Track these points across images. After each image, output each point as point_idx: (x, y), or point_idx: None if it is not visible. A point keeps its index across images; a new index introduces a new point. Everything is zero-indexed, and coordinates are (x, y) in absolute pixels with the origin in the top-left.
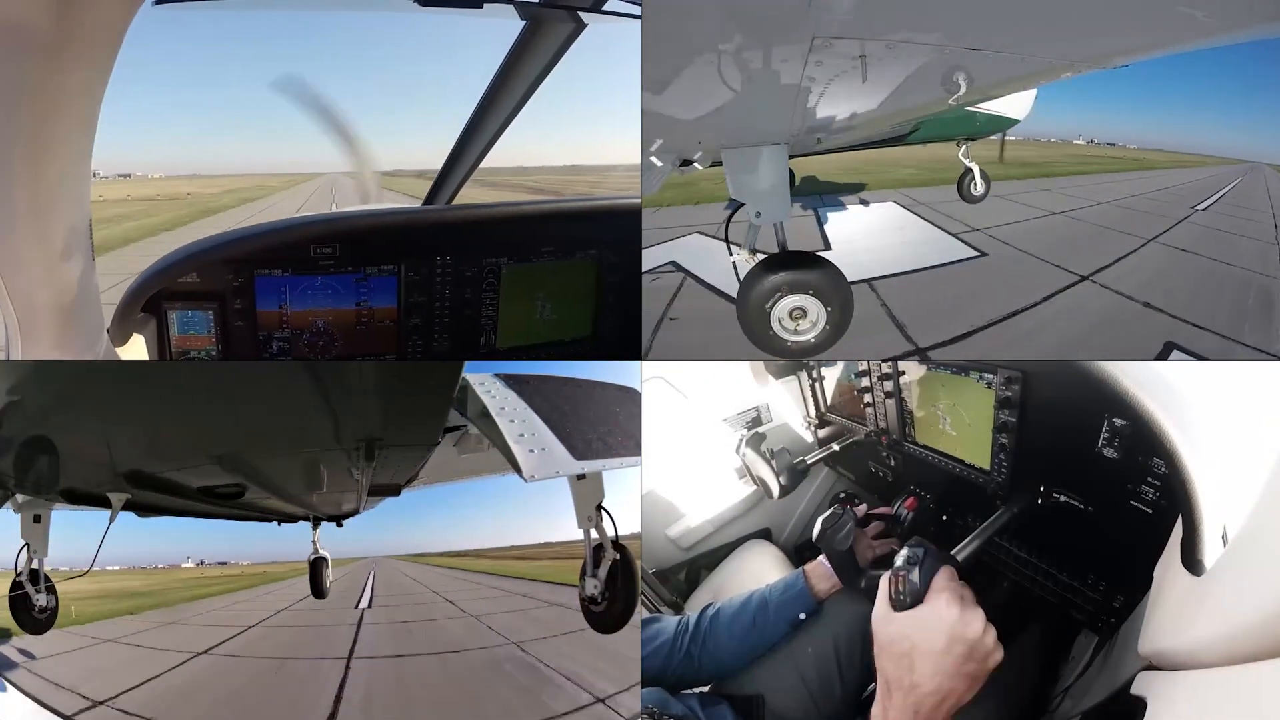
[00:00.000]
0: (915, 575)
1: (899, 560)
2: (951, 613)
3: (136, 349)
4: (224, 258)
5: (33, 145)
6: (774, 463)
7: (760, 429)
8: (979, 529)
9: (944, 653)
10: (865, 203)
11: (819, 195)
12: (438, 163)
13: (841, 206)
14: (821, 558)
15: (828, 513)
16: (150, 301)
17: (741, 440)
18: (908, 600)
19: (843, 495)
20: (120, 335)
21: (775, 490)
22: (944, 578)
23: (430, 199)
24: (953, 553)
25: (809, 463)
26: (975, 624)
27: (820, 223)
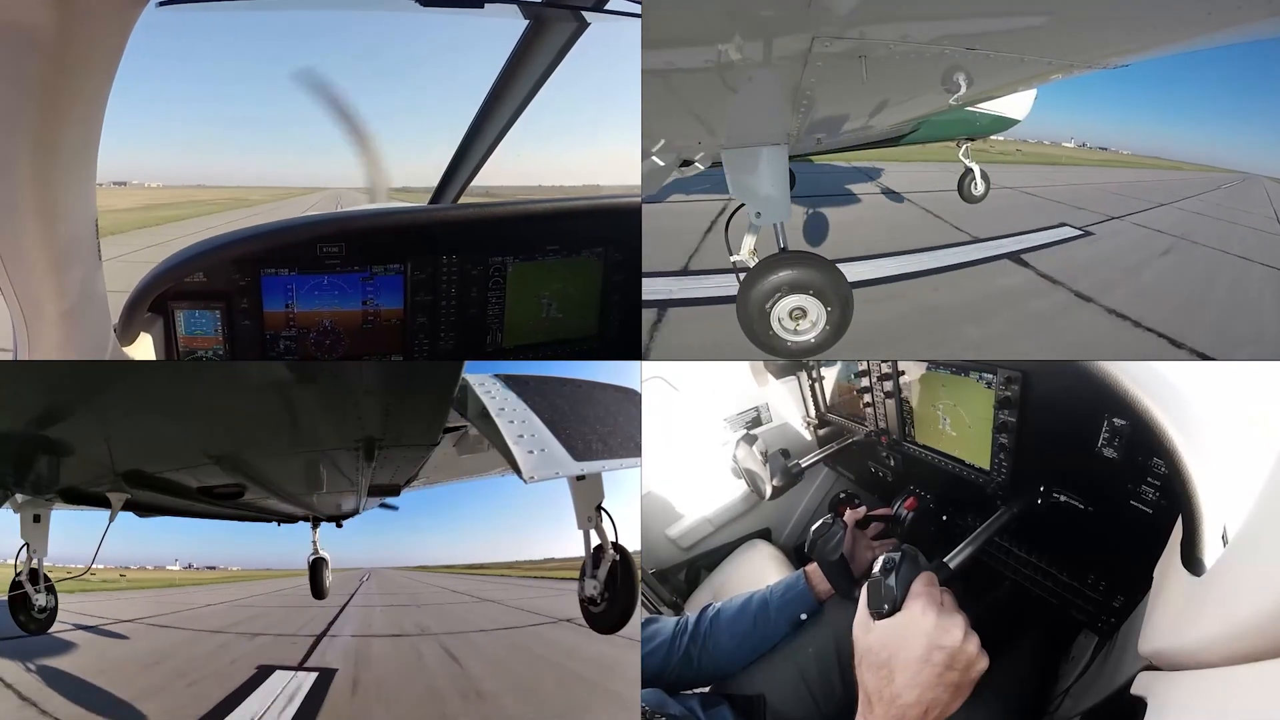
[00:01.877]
0: (891, 582)
1: (876, 568)
2: (928, 620)
3: (143, 349)
4: (231, 257)
5: (38, 146)
6: (768, 464)
7: (756, 430)
8: (974, 534)
9: (923, 661)
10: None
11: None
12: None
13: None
14: None
15: (818, 524)
16: (157, 301)
17: (735, 441)
18: (885, 608)
19: (842, 495)
20: (127, 335)
21: (767, 491)
22: (921, 584)
23: (436, 198)
24: (945, 560)
25: (804, 465)
26: (954, 631)
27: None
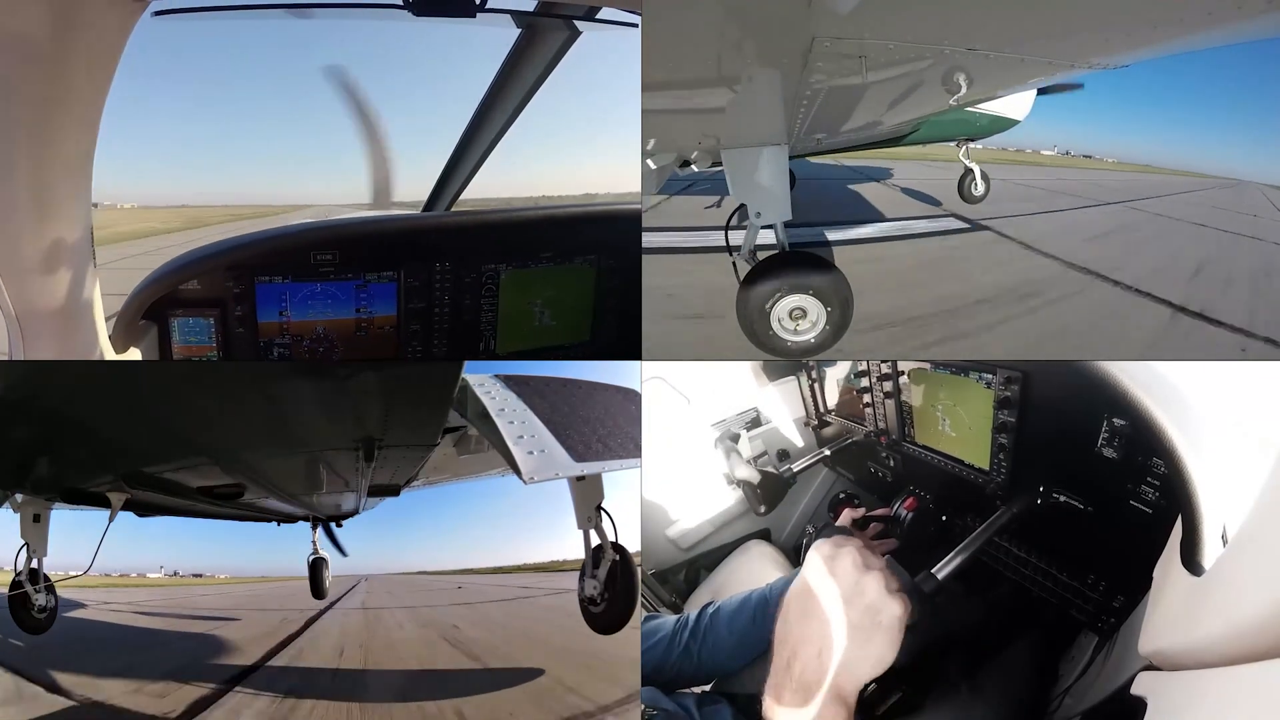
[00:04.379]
0: (810, 545)
1: (806, 538)
2: (820, 554)
3: (137, 356)
4: (225, 264)
5: (34, 154)
6: (760, 475)
7: (755, 430)
8: (966, 541)
9: (812, 593)
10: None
11: None
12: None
13: None
14: None
15: (808, 537)
16: (152, 309)
17: (725, 453)
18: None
19: (842, 496)
20: (122, 342)
21: (758, 509)
22: (829, 541)
23: (429, 205)
24: (933, 570)
25: (796, 470)
26: (844, 561)
27: None
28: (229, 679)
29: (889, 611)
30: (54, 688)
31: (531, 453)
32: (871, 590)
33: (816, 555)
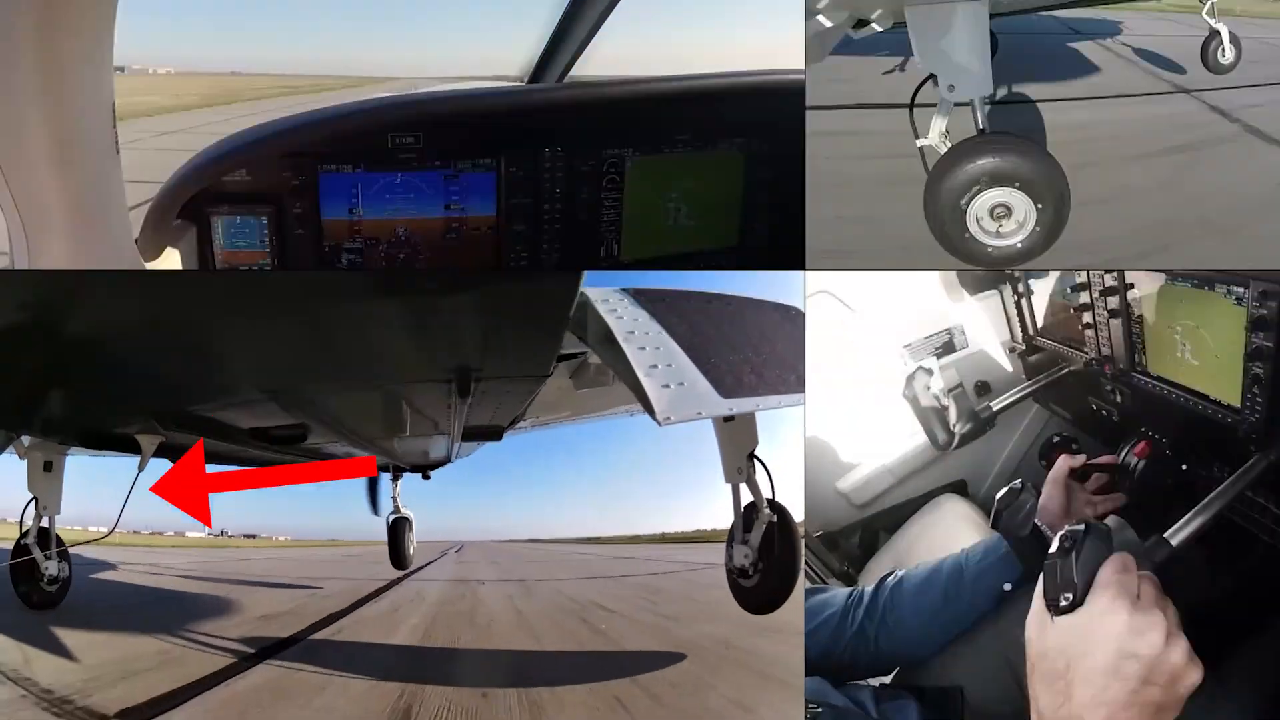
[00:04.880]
0: (1071, 567)
1: (1053, 546)
2: (1117, 619)
3: (171, 265)
4: (281, 151)
5: (45, 14)
6: (953, 404)
7: (946, 358)
8: (1211, 496)
9: (1110, 673)
10: None
11: None
12: None
13: None
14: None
15: (1002, 491)
16: (189, 205)
17: (911, 374)
18: (1063, 601)
19: (1056, 440)
20: (152, 248)
21: (941, 438)
22: (1111, 569)
23: (535, 77)
24: (1166, 535)
25: (995, 409)
26: (1151, 634)
27: None
28: (262, 650)
29: (1189, 681)
30: (64, 653)
31: (668, 386)
32: (1175, 657)
33: (1109, 626)
